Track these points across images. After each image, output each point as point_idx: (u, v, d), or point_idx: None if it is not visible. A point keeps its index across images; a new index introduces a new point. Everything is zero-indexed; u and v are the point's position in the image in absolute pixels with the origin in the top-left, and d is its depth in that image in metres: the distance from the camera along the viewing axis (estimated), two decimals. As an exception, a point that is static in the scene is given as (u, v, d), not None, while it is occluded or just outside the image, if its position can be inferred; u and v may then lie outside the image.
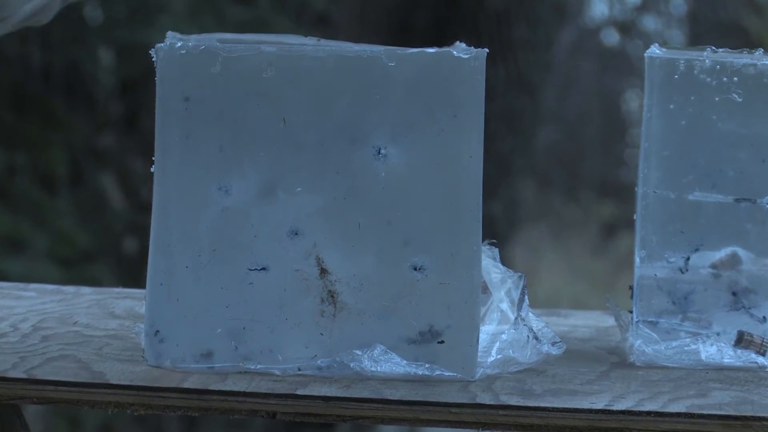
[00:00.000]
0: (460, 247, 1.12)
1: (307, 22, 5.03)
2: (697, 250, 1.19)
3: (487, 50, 1.11)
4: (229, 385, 1.10)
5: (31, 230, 4.04)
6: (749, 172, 1.18)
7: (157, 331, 1.13)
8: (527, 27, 4.20)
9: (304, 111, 1.11)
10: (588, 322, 1.35)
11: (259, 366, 1.12)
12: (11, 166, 4.21)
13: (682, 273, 1.19)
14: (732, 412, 1.07)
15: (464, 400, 1.09)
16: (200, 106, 1.11)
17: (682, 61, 1.17)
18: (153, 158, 1.12)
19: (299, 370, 1.12)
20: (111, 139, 4.78)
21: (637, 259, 1.19)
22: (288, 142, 1.11)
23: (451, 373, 1.12)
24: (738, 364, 1.17)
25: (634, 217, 1.20)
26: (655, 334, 1.18)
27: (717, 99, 1.17)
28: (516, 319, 1.16)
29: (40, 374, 1.12)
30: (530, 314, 1.18)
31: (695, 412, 1.07)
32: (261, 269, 1.12)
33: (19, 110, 4.37)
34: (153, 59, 1.12)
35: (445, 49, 1.11)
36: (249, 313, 1.12)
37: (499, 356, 1.14)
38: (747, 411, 1.07)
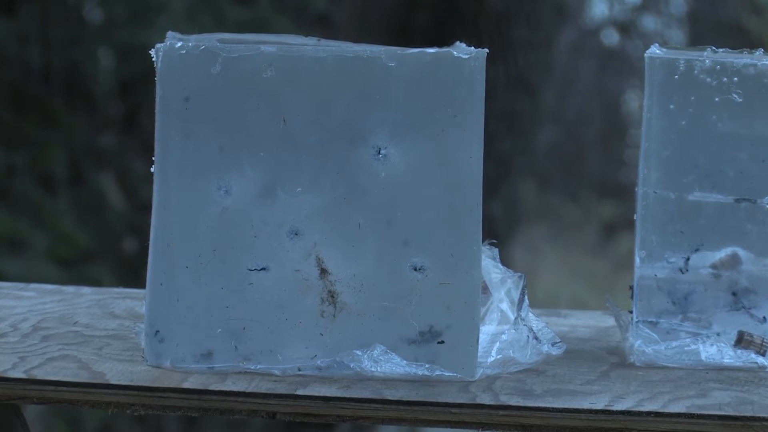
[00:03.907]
0: (460, 247, 1.12)
1: (307, 22, 5.03)
2: (697, 250, 1.19)
3: (487, 50, 1.11)
4: (229, 385, 1.10)
5: (30, 230, 4.04)
6: (749, 172, 1.18)
7: (157, 331, 1.13)
8: (527, 27, 4.21)
9: (304, 111, 1.11)
10: (588, 322, 1.35)
11: (259, 366, 1.12)
12: (11, 166, 4.21)
13: (682, 273, 1.19)
14: (732, 413, 1.07)
15: (464, 401, 1.09)
16: (200, 106, 1.11)
17: (682, 61, 1.17)
18: (153, 158, 1.12)
19: (299, 370, 1.12)
20: (111, 139, 4.78)
21: (637, 260, 1.19)
22: (288, 142, 1.11)
23: (451, 373, 1.12)
24: (738, 364, 1.17)
25: (634, 218, 1.20)
26: (655, 335, 1.18)
27: (717, 99, 1.17)
28: (516, 319, 1.16)
29: (40, 374, 1.12)
30: (530, 314, 1.18)
31: (695, 412, 1.07)
32: (261, 269, 1.12)
33: (19, 110, 4.37)
34: (153, 59, 1.12)
35: (445, 49, 1.11)
36: (249, 313, 1.12)
37: (499, 356, 1.14)
38: (747, 411, 1.07)
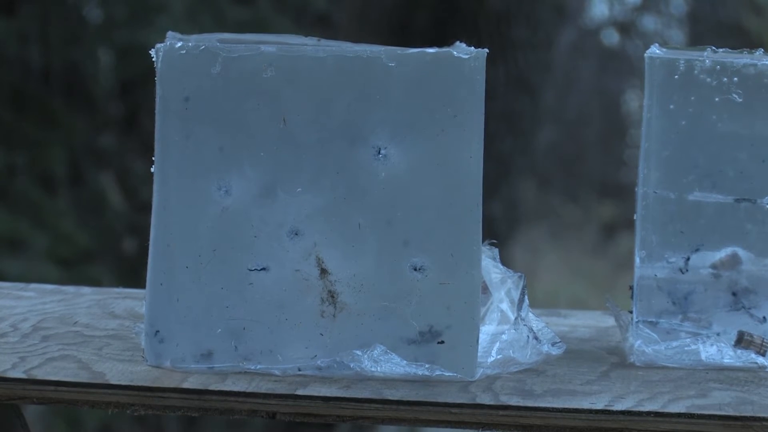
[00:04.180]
0: (460, 247, 1.12)
1: (307, 22, 5.03)
2: (697, 250, 1.19)
3: (487, 50, 1.11)
4: (229, 386, 1.10)
5: (30, 230, 4.04)
6: (749, 172, 1.18)
7: (157, 331, 1.13)
8: (527, 27, 4.21)
9: (304, 111, 1.11)
10: (588, 322, 1.35)
11: (259, 366, 1.12)
12: (11, 166, 4.21)
13: (682, 273, 1.19)
14: (732, 413, 1.07)
15: (464, 401, 1.09)
16: (200, 106, 1.11)
17: (682, 61, 1.17)
18: (153, 158, 1.12)
19: (299, 370, 1.12)
20: (111, 139, 4.78)
21: (637, 260, 1.19)
22: (288, 142, 1.11)
23: (451, 373, 1.12)
24: (738, 364, 1.17)
25: (634, 218, 1.20)
26: (655, 335, 1.18)
27: (717, 99, 1.17)
28: (516, 319, 1.16)
29: (40, 374, 1.12)
30: (530, 314, 1.18)
31: (695, 412, 1.07)
32: (261, 269, 1.12)
33: (19, 110, 4.37)
34: (153, 59, 1.12)
35: (445, 49, 1.11)
36: (249, 313, 1.12)
37: (499, 356, 1.14)
38: (747, 411, 1.07)
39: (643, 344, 1.18)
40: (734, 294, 1.19)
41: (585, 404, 1.08)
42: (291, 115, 1.11)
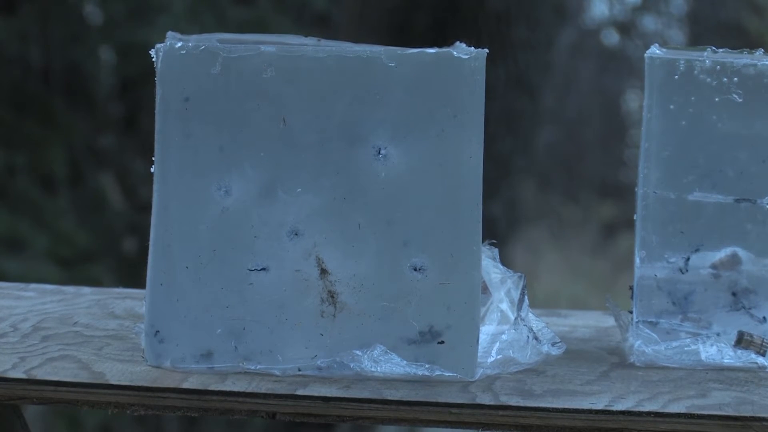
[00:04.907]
0: (460, 248, 1.12)
1: (307, 22, 5.03)
2: (697, 250, 1.19)
3: (487, 50, 1.11)
4: (228, 386, 1.10)
5: (30, 230, 4.04)
6: (749, 172, 1.18)
7: (157, 331, 1.13)
8: (527, 27, 4.21)
9: (304, 111, 1.11)
10: (588, 322, 1.35)
11: (259, 366, 1.12)
12: (11, 166, 4.21)
13: (682, 273, 1.19)
14: (732, 413, 1.07)
15: (464, 401, 1.09)
16: (200, 106, 1.11)
17: (682, 61, 1.17)
18: (153, 158, 1.12)
19: (299, 370, 1.12)
20: (111, 139, 4.78)
21: (637, 260, 1.19)
22: (288, 142, 1.11)
23: (451, 374, 1.12)
24: (738, 364, 1.17)
25: (634, 218, 1.20)
26: (655, 335, 1.18)
27: (717, 99, 1.17)
28: (516, 319, 1.16)
29: (40, 374, 1.12)
30: (530, 314, 1.18)
31: (695, 412, 1.07)
32: (261, 269, 1.12)
33: (19, 110, 4.37)
34: (153, 59, 1.12)
35: (445, 49, 1.11)
36: (249, 313, 1.12)
37: (499, 356, 1.14)
38: (747, 411, 1.07)
39: (643, 344, 1.18)
40: (734, 294, 1.19)
41: (585, 404, 1.08)
42: (291, 115, 1.11)
